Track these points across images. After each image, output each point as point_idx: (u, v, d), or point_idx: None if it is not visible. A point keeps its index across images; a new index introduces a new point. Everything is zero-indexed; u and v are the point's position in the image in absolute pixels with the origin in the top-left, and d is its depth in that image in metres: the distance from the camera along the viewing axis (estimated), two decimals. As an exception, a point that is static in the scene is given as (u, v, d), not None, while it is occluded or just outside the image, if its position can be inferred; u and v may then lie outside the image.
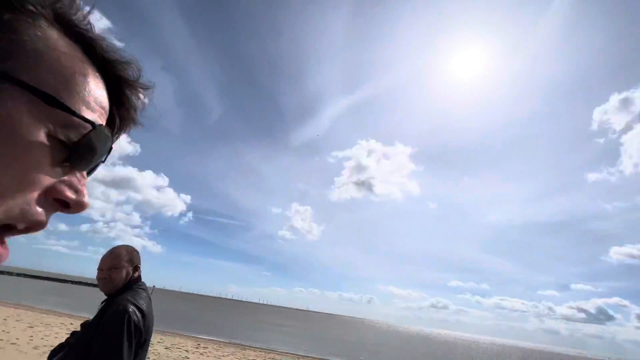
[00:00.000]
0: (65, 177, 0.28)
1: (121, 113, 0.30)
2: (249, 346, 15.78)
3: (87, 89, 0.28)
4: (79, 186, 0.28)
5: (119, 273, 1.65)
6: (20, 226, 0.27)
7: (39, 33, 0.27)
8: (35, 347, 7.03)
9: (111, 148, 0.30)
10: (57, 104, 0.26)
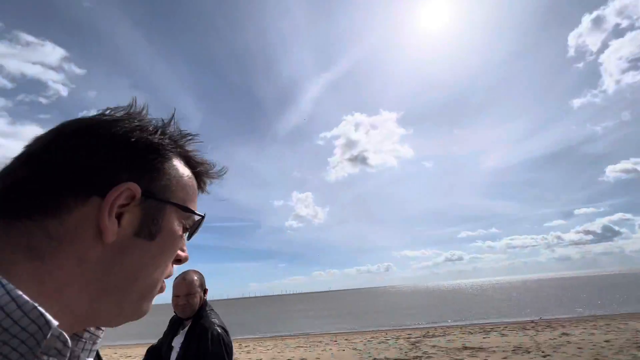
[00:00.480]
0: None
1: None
2: (288, 335, 16.81)
3: (195, 197, 0.45)
4: (184, 247, 0.44)
5: (195, 298, 1.90)
6: None
7: (175, 167, 0.42)
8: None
9: None
10: (190, 211, 0.42)
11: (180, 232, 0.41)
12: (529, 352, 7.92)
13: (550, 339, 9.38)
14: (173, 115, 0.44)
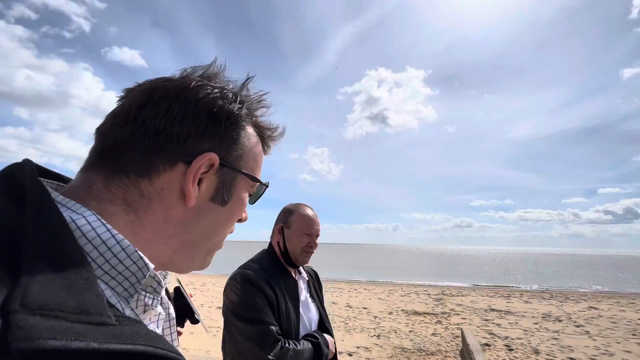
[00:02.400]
0: None
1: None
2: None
3: (262, 163, 0.48)
4: (246, 210, 0.48)
5: None
6: None
7: (248, 136, 0.44)
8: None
9: None
10: (257, 180, 0.46)
11: (247, 199, 0.46)
12: (560, 321, 8.00)
13: (580, 310, 9.42)
14: (247, 79, 0.46)
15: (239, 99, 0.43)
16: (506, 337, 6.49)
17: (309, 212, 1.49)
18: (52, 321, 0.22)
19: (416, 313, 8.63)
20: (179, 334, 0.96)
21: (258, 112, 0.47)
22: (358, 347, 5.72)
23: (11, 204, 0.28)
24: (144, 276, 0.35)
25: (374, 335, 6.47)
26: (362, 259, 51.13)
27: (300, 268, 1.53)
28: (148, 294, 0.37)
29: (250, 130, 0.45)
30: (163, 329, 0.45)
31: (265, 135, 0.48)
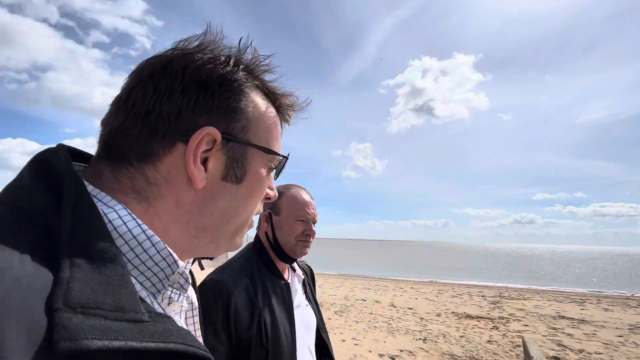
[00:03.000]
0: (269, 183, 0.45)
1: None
2: (351, 275, 17.65)
3: (279, 133, 0.44)
4: (273, 186, 0.46)
5: None
6: None
7: (253, 102, 0.40)
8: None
9: None
10: (272, 152, 0.42)
11: (266, 173, 0.42)
12: (653, 335, 6.65)
13: (681, 323, 7.77)
14: (245, 41, 0.41)
15: (233, 61, 0.39)
16: (581, 351, 5.54)
17: (302, 193, 1.19)
18: (93, 320, 0.23)
19: (469, 316, 7.86)
20: (201, 268, 0.94)
21: (261, 74, 0.42)
22: (401, 351, 5.33)
23: (49, 196, 0.28)
24: (173, 272, 0.34)
25: (420, 339, 6.00)
26: (409, 256, 49.30)
27: (295, 264, 1.24)
28: (175, 290, 0.37)
29: (254, 96, 0.40)
30: (186, 318, 0.45)
31: (278, 103, 0.44)
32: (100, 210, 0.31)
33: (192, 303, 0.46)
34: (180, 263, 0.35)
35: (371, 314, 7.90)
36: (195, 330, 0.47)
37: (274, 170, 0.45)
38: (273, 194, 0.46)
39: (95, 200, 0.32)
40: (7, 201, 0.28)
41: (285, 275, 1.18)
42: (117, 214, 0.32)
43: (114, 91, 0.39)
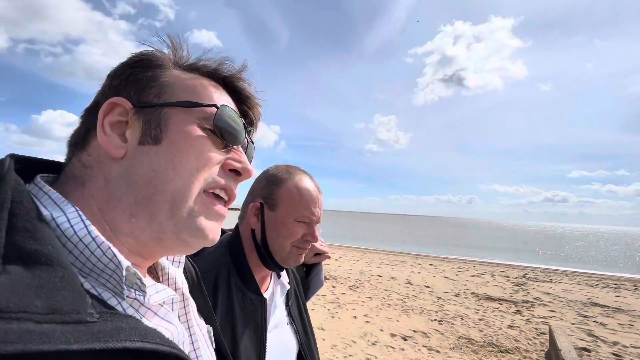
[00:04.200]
0: (230, 155, 0.42)
1: (246, 106, 0.48)
2: (368, 249, 17.64)
3: (207, 91, 0.42)
4: (240, 158, 0.43)
5: None
6: (223, 195, 0.42)
7: (168, 71, 0.42)
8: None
9: (250, 131, 0.48)
10: (188, 104, 0.40)
11: (197, 131, 0.40)
12: (702, 329, 6.00)
13: None
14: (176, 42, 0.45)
15: (156, 51, 0.43)
16: (615, 343, 5.08)
17: (307, 183, 0.88)
18: (14, 324, 0.22)
19: (489, 298, 7.51)
20: None
21: (187, 53, 0.45)
22: (415, 331, 5.15)
23: None
24: (123, 274, 0.34)
25: (435, 320, 5.78)
26: (430, 231, 48.64)
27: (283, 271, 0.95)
28: (135, 291, 0.35)
29: (177, 71, 0.43)
30: (179, 311, 0.45)
31: (206, 69, 0.45)
32: (48, 215, 0.32)
33: (183, 294, 0.46)
34: (125, 263, 0.33)
35: (386, 290, 7.75)
36: (188, 320, 0.46)
37: (222, 132, 0.41)
38: (239, 165, 0.42)
39: (49, 202, 0.34)
40: None
41: (264, 286, 0.89)
42: (65, 217, 0.32)
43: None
